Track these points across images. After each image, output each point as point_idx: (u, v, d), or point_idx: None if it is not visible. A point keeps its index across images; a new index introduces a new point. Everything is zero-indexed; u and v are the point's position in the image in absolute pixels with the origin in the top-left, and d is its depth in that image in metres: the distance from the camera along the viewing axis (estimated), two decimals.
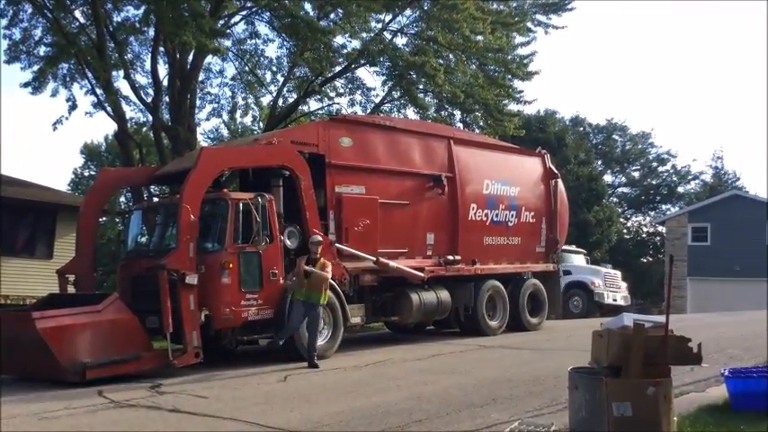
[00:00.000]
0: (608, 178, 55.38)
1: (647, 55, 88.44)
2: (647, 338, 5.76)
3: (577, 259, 27.07)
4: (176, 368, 10.00)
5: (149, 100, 20.52)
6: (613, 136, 57.15)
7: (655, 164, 57.35)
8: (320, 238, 11.34)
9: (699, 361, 6.03)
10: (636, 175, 58.06)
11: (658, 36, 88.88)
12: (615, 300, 25.20)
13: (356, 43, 20.34)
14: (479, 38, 19.91)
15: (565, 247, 28.90)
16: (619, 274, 27.11)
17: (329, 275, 11.09)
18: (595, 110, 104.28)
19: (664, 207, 56.19)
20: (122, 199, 31.65)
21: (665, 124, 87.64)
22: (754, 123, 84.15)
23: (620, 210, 54.38)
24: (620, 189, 58.40)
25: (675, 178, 57.10)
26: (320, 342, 11.75)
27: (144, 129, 25.42)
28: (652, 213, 56.58)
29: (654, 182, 57.45)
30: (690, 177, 56.90)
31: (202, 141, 29.29)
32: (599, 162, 53.87)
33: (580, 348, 6.73)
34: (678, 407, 6.44)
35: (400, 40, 21.32)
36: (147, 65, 20.99)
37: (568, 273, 25.26)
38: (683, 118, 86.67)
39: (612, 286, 25.73)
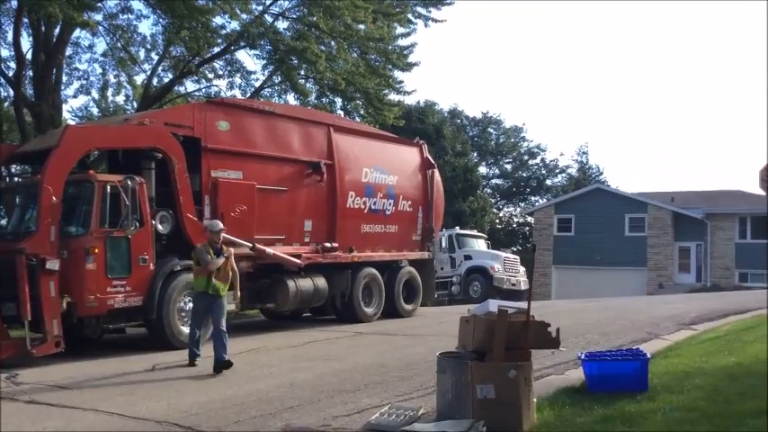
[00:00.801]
0: (482, 170, 57.40)
1: (520, 52, 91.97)
2: (511, 324, 6.01)
3: (479, 244, 27.57)
4: (35, 358, 9.51)
5: (11, 74, 19.25)
6: (488, 129, 59.23)
7: (526, 157, 59.98)
8: (222, 225, 10.06)
9: (557, 345, 6.36)
10: (508, 167, 60.50)
11: (530, 34, 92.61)
12: (514, 284, 25.59)
13: (236, 24, 19.88)
14: (361, 26, 19.94)
15: (466, 232, 29.32)
16: (518, 258, 27.74)
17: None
18: (472, 103, 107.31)
19: (533, 198, 58.93)
20: None
21: (536, 119, 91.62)
22: (616, 120, 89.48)
23: (493, 200, 56.42)
24: (493, 180, 60.65)
25: (544, 171, 59.97)
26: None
27: (4, 104, 23.75)
28: (522, 204, 59.22)
29: (524, 174, 60.06)
30: (557, 171, 59.97)
31: (70, 119, 27.79)
32: (474, 154, 55.64)
33: (451, 334, 6.94)
34: (538, 389, 6.77)
35: (282, 24, 21.02)
36: (10, 37, 19.64)
37: (469, 258, 25.96)
38: (552, 114, 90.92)
39: (512, 270, 26.17)
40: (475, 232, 30.13)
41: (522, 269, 27.49)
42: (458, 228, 30.38)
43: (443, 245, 26.64)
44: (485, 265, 25.30)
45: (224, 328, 9.46)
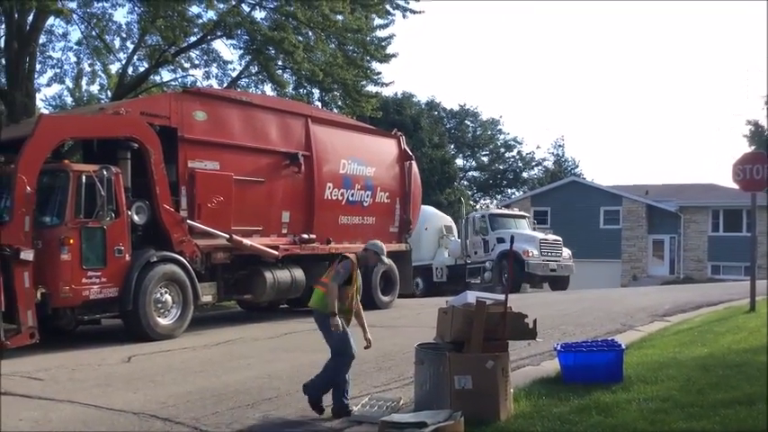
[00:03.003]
0: (459, 162, 57.63)
1: (498, 44, 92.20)
2: (488, 315, 6.05)
3: (519, 224, 25.06)
4: (9, 349, 9.38)
5: None
6: (465, 121, 59.44)
7: (502, 150, 60.26)
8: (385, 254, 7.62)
9: (534, 336, 6.42)
10: (485, 159, 60.75)
11: (508, 26, 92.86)
12: (554, 269, 23.34)
13: (212, 14, 19.71)
14: (339, 17, 19.90)
15: (503, 212, 26.86)
16: (560, 240, 24.77)
17: None
18: (450, 95, 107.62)
19: (509, 191, 59.25)
20: None
21: (513, 112, 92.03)
22: (592, 114, 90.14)
23: (469, 192, 56.65)
24: (470, 173, 60.85)
25: (521, 164, 60.30)
26: (168, 322, 11.46)
27: None
28: (499, 197, 59.47)
29: (501, 167, 60.36)
30: (533, 163, 60.35)
31: (43, 108, 27.41)
32: (452, 146, 55.82)
33: (428, 325, 6.97)
34: (515, 379, 6.84)
35: (259, 14, 20.92)
36: None
37: (502, 241, 23.30)
38: (528, 106, 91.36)
39: (551, 254, 23.61)
40: (514, 211, 27.02)
41: (567, 252, 24.45)
42: (492, 206, 28.35)
43: (476, 227, 24.75)
44: (516, 248, 21.90)
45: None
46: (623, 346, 7.58)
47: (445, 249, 25.63)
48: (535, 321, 6.36)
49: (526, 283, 23.63)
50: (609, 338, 8.92)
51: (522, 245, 22.64)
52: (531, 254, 22.80)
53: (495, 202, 58.87)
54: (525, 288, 23.71)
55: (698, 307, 14.50)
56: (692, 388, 6.58)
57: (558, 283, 24.03)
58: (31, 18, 18.44)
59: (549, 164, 59.44)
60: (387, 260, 6.54)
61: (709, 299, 15.89)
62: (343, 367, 6.62)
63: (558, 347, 7.54)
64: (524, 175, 60.18)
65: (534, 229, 25.72)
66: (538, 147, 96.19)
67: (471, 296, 6.30)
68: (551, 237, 24.79)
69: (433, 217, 26.55)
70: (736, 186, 14.24)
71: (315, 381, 6.66)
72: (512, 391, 6.22)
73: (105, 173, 10.54)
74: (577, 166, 58.78)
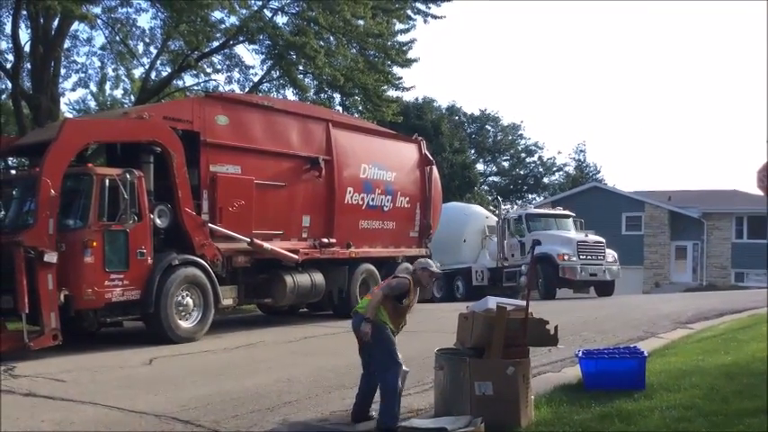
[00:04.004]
0: (480, 167, 57.43)
1: (518, 49, 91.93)
2: (509, 321, 6.02)
3: (562, 224, 23.32)
4: (32, 351, 9.49)
5: (9, 66, 19.23)
6: (486, 126, 59.25)
7: (523, 155, 60.01)
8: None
9: (555, 342, 6.38)
10: (506, 164, 60.53)
11: (529, 31, 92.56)
12: (595, 274, 21.53)
13: (234, 19, 19.86)
14: (360, 22, 19.96)
15: (543, 212, 24.99)
16: (602, 241, 22.56)
17: None
18: (470, 100, 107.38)
19: (530, 196, 58.93)
20: None
21: (534, 117, 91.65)
22: (614, 119, 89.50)
23: (490, 198, 56.44)
24: (491, 178, 60.65)
25: (542, 169, 59.98)
26: (189, 325, 11.53)
27: (2, 96, 23.73)
28: (519, 202, 59.15)
29: (522, 172, 60.10)
30: (554, 169, 60.02)
31: (67, 112, 27.79)
32: (472, 151, 55.68)
33: (448, 330, 6.95)
34: (536, 386, 6.79)
35: (281, 19, 21.02)
36: (8, 29, 19.60)
37: (538, 243, 22.02)
38: (550, 111, 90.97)
39: (590, 258, 21.79)
40: (558, 210, 24.94)
41: (612, 254, 22.47)
42: (531, 206, 26.53)
43: (511, 228, 23.26)
44: (551, 252, 20.75)
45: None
46: (645, 354, 7.50)
47: (486, 251, 24.56)
48: (556, 328, 6.32)
49: (568, 289, 22.28)
50: (631, 345, 8.84)
51: (557, 248, 21.27)
52: (566, 257, 21.30)
53: (515, 207, 58.68)
54: (558, 293, 22.38)
55: (721, 314, 14.34)
56: (716, 396, 6.49)
57: (604, 287, 22.40)
58: (56, 23, 18.70)
59: (571, 169, 59.10)
60: (438, 270, 6.76)
61: (733, 306, 15.71)
62: (399, 377, 6.16)
63: (580, 354, 7.48)
64: (545, 180, 59.89)
65: (581, 230, 23.98)
66: (559, 152, 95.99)
67: (492, 302, 6.27)
68: (592, 238, 22.66)
69: (476, 216, 25.79)
70: (760, 192, 14.05)
71: (383, 409, 6.00)
72: (533, 397, 6.18)
73: (128, 176, 10.64)
74: (599, 172, 58.36)
